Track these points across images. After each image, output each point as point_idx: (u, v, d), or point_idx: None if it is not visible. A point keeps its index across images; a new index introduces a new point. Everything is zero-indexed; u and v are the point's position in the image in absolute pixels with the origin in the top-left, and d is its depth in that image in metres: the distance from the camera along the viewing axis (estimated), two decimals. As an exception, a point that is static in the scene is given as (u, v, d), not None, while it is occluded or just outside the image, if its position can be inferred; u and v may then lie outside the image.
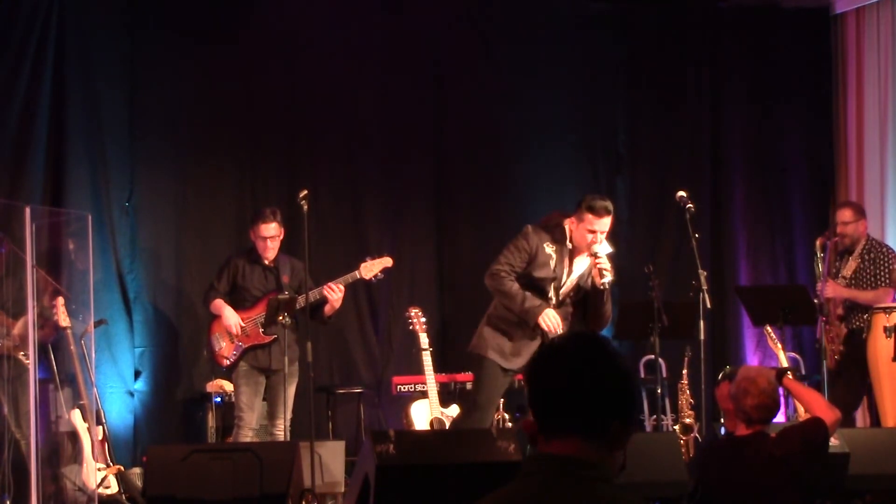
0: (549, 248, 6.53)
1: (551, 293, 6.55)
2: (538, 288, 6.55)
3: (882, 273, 8.22)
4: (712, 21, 10.03)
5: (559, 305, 6.57)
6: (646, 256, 9.18)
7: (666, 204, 9.00)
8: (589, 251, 6.46)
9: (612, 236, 9.62)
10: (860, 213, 8.39)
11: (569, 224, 6.55)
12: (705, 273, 7.26)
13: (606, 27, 9.88)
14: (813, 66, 10.12)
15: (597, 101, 9.82)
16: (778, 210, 9.92)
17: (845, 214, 8.31)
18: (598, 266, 6.42)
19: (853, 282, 8.20)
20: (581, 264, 6.58)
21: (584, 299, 6.67)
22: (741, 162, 10.01)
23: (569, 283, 6.59)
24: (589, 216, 6.42)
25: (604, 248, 6.44)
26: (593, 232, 6.42)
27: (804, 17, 10.11)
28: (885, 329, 7.91)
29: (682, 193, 7.45)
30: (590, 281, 6.55)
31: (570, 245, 6.55)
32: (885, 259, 8.22)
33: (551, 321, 6.46)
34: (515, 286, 6.55)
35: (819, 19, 10.11)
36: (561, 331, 6.47)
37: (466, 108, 9.49)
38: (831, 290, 8.12)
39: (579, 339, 2.22)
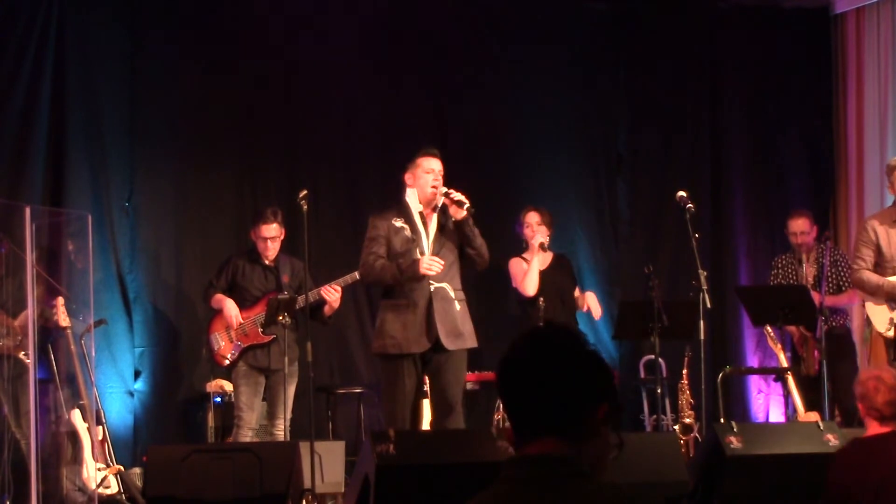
0: (398, 222, 6.69)
1: (417, 255, 6.62)
2: (405, 258, 6.63)
3: (845, 276, 8.31)
4: (712, 21, 10.03)
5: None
6: (646, 256, 9.19)
7: (666, 204, 8.99)
8: (436, 194, 6.59)
9: (613, 236, 9.72)
10: (814, 220, 8.57)
11: (408, 187, 6.71)
12: (705, 273, 7.26)
13: (606, 27, 9.87)
14: (813, 66, 10.12)
15: (597, 101, 9.82)
16: (778, 210, 9.91)
17: (802, 224, 8.41)
18: (450, 199, 6.53)
19: (815, 287, 8.26)
20: (436, 217, 6.71)
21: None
22: (741, 162, 10.01)
23: (432, 238, 6.67)
24: (421, 160, 6.68)
25: (444, 189, 6.59)
26: (430, 171, 6.64)
27: (804, 16, 10.11)
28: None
29: (682, 193, 7.45)
30: (451, 223, 6.64)
31: (416, 207, 6.68)
32: (845, 262, 8.40)
33: (432, 264, 6.53)
34: (384, 261, 6.70)
35: (819, 19, 10.11)
36: (441, 268, 6.53)
37: (466, 108, 9.49)
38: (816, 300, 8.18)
39: (538, 337, 2.20)
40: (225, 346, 7.81)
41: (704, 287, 7.17)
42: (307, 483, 6.58)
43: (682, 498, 6.18)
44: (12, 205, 7.18)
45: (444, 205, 6.69)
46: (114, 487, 7.31)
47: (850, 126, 9.96)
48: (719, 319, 9.43)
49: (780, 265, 8.62)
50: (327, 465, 7.23)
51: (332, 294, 7.69)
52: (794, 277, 8.43)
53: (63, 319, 7.28)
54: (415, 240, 6.65)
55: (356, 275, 7.83)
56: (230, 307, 7.77)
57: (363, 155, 9.28)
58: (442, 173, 6.69)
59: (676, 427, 8.11)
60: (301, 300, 7.48)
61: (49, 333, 7.34)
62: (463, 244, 6.72)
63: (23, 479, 6.72)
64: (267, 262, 7.89)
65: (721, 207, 9.92)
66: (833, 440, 6.27)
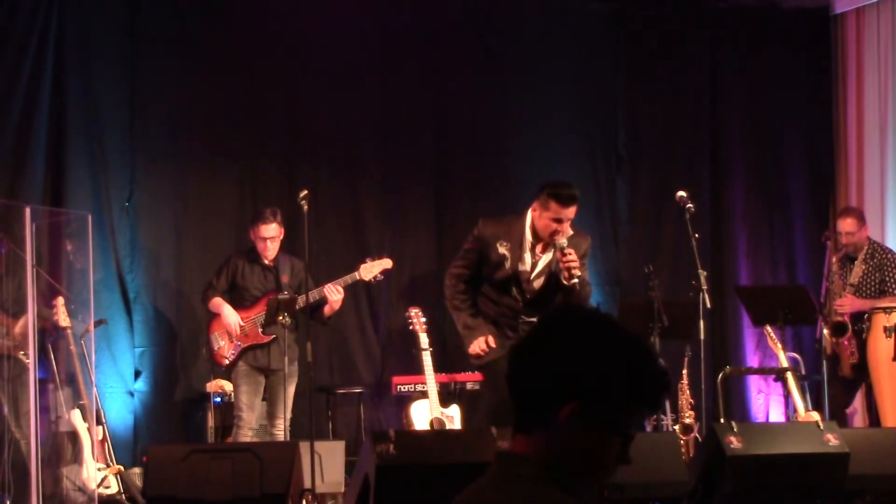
0: (502, 248, 6.25)
1: (515, 292, 6.34)
2: (501, 288, 6.36)
3: (890, 279, 8.26)
4: (712, 21, 10.03)
5: (531, 304, 6.31)
6: (646, 256, 9.18)
7: (666, 204, 8.99)
8: (552, 241, 6.16)
9: (613, 236, 9.72)
10: (862, 219, 8.46)
11: (530, 212, 6.26)
12: (705, 273, 7.26)
13: (606, 27, 9.87)
14: (813, 67, 10.12)
15: (597, 101, 9.81)
16: (778, 210, 9.92)
17: (849, 224, 8.32)
18: (565, 264, 6.09)
19: (860, 288, 8.24)
20: (546, 257, 6.31)
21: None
22: (741, 162, 10.01)
23: (538, 278, 6.32)
24: (554, 205, 6.11)
25: (564, 240, 6.14)
26: (557, 221, 6.12)
27: (804, 17, 10.11)
28: (885, 329, 7.92)
29: (682, 193, 7.45)
30: (559, 274, 6.21)
31: (530, 238, 6.26)
32: (892, 265, 8.27)
33: (477, 347, 6.30)
34: (464, 302, 6.39)
35: (819, 19, 10.11)
36: (488, 350, 6.28)
37: (466, 108, 9.48)
38: (850, 304, 8.14)
39: (536, 325, 2.06)
40: (225, 346, 7.81)
41: (704, 287, 7.17)
42: (307, 483, 6.59)
43: (682, 498, 6.18)
44: (12, 205, 7.19)
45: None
46: (114, 487, 7.31)
47: (850, 126, 9.95)
48: (719, 319, 9.43)
49: (836, 262, 8.51)
50: (327, 465, 7.23)
51: (334, 294, 7.69)
52: (846, 276, 8.35)
53: (63, 319, 7.28)
54: (513, 277, 6.25)
55: (356, 275, 7.86)
56: (229, 314, 7.76)
57: (363, 155, 9.27)
58: (571, 218, 6.14)
59: (676, 427, 8.11)
60: (301, 300, 7.48)
61: (49, 333, 7.34)
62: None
63: (23, 479, 6.72)
64: (266, 262, 7.89)
65: (721, 207, 9.92)
66: (833, 440, 6.27)
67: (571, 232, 6.24)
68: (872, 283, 8.28)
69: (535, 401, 2.00)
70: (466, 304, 6.42)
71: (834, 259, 8.34)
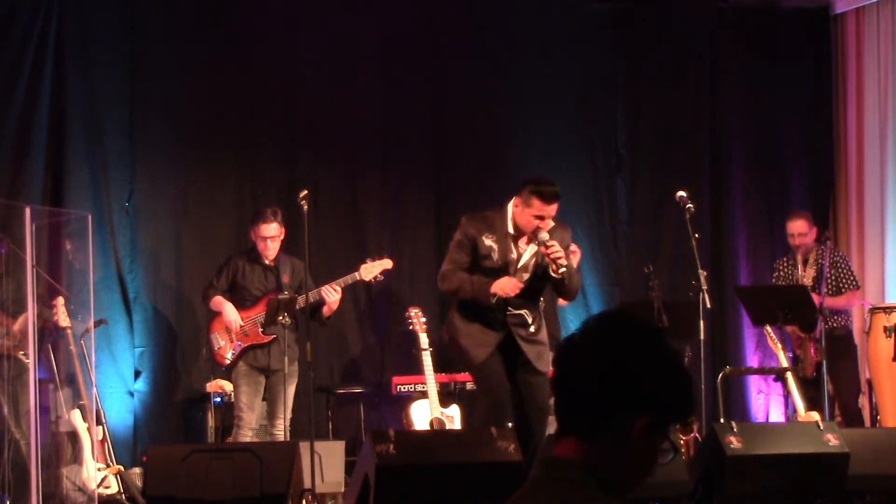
0: (489, 241, 6.26)
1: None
2: (492, 280, 6.32)
3: (844, 277, 8.32)
4: (712, 21, 10.03)
5: (518, 296, 6.27)
6: (646, 256, 9.19)
7: (666, 204, 8.99)
8: (535, 239, 6.18)
9: (612, 236, 9.72)
10: (813, 222, 8.57)
11: (511, 207, 6.29)
12: (705, 273, 7.26)
13: (606, 27, 9.87)
14: (813, 67, 10.12)
15: (597, 101, 9.81)
16: (778, 210, 9.91)
17: (800, 225, 8.42)
18: (551, 256, 6.09)
19: (815, 288, 8.28)
20: (530, 249, 6.32)
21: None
22: (741, 161, 10.01)
23: (524, 270, 6.31)
24: (537, 202, 6.14)
25: (545, 234, 6.15)
26: (539, 218, 6.14)
27: (804, 17, 10.11)
28: (885, 329, 7.93)
29: (682, 193, 7.45)
30: (546, 266, 6.22)
31: (511, 231, 6.27)
32: (845, 263, 8.41)
33: (504, 285, 6.18)
34: (462, 275, 6.30)
35: (819, 19, 10.11)
36: (515, 291, 6.21)
37: (466, 108, 9.48)
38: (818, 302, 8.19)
39: (585, 328, 2.00)
40: (225, 346, 7.81)
41: (704, 287, 7.17)
42: (307, 483, 6.59)
43: (682, 498, 6.18)
44: (12, 205, 7.19)
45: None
46: (114, 487, 7.31)
47: (850, 126, 9.95)
48: (719, 319, 9.43)
49: (780, 268, 8.63)
50: (327, 465, 7.23)
51: (331, 295, 7.69)
52: (793, 280, 8.44)
53: (63, 319, 7.29)
54: (502, 269, 6.25)
55: (356, 275, 7.85)
56: (229, 312, 7.76)
57: (363, 155, 9.27)
58: (553, 214, 6.19)
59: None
60: (301, 300, 7.49)
61: (49, 333, 7.34)
62: (552, 285, 6.37)
63: (23, 479, 6.72)
64: (267, 262, 7.89)
65: (721, 207, 9.92)
66: (833, 440, 6.27)
67: (553, 224, 6.26)
68: (828, 284, 8.33)
69: (600, 409, 1.95)
70: (465, 274, 6.32)
71: (799, 258, 8.41)
